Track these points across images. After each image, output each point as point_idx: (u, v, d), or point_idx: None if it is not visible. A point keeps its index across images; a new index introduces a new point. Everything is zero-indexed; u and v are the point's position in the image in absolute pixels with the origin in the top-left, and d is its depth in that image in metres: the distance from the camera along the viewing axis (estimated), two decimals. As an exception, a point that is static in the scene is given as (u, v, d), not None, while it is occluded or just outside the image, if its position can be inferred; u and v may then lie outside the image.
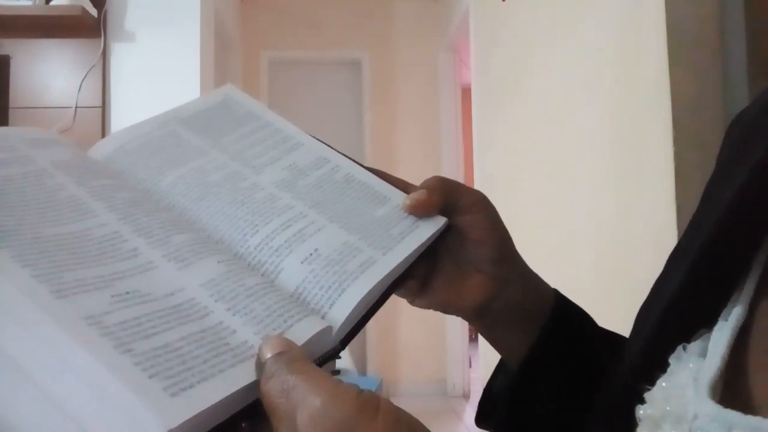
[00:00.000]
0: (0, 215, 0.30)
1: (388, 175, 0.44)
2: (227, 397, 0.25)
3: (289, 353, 0.27)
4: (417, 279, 0.41)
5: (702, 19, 1.26)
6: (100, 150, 0.40)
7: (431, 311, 0.44)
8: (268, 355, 0.27)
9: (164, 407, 0.23)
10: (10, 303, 0.25)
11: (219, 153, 0.42)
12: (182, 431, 0.23)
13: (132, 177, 0.39)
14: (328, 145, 0.45)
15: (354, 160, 0.44)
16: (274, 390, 0.26)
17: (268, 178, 0.40)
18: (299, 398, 0.25)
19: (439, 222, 0.40)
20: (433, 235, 0.40)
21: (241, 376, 0.27)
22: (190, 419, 0.23)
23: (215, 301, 0.30)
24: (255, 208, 0.38)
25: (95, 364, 0.23)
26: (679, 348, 0.28)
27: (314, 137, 0.45)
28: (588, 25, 1.68)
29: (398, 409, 0.25)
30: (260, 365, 0.27)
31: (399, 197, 0.41)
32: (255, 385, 0.27)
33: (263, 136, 0.44)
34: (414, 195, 0.40)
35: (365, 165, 0.44)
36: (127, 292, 0.28)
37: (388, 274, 0.36)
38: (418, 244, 0.38)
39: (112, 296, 0.27)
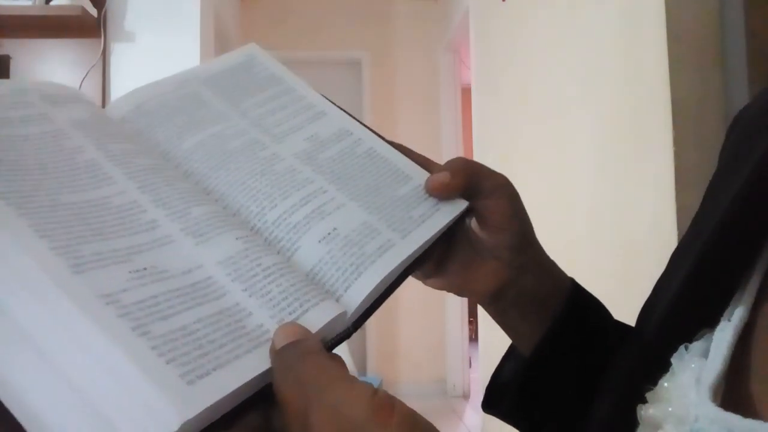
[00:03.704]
0: (17, 178, 0.28)
1: (411, 150, 0.43)
2: (242, 386, 0.25)
3: (304, 343, 0.26)
4: (432, 260, 0.41)
5: (702, 19, 1.25)
6: (118, 108, 0.39)
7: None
8: (283, 344, 0.26)
9: (181, 396, 0.22)
10: (28, 278, 0.24)
11: (239, 118, 0.40)
12: (197, 421, 0.22)
13: (150, 139, 0.37)
14: (352, 116, 0.43)
15: (377, 134, 0.43)
16: (287, 383, 0.25)
17: (288, 149, 0.39)
18: (312, 395, 0.24)
19: (460, 206, 0.40)
20: (453, 219, 0.39)
21: (256, 364, 0.26)
22: (205, 409, 0.23)
23: (232, 280, 0.29)
24: (274, 181, 0.36)
25: (112, 347, 0.23)
26: (681, 348, 0.28)
27: (338, 106, 0.44)
28: (588, 25, 1.68)
29: (414, 413, 0.24)
30: (274, 354, 0.26)
31: (421, 176, 0.40)
32: (269, 372, 0.26)
33: (285, 102, 0.43)
34: (437, 177, 0.40)
35: (387, 139, 0.43)
36: (145, 268, 0.27)
37: (406, 259, 0.35)
38: (438, 228, 0.38)
39: (130, 272, 0.26)
